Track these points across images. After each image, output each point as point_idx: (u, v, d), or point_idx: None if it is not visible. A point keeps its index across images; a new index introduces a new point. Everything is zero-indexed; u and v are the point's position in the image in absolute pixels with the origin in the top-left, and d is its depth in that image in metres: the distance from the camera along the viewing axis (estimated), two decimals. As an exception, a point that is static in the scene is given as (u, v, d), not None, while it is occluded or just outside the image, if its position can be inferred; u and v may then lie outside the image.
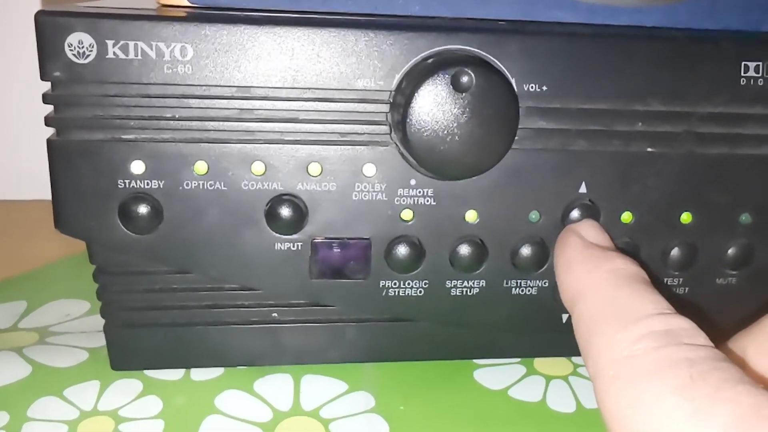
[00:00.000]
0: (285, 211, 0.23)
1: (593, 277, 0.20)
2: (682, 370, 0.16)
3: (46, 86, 0.22)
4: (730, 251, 0.26)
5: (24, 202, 0.45)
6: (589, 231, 0.23)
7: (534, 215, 0.25)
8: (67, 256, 0.36)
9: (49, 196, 0.23)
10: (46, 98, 0.22)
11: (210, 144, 0.23)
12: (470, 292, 0.25)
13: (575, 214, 0.25)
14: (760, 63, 0.24)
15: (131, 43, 0.21)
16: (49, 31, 0.21)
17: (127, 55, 0.21)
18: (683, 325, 0.18)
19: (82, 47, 0.21)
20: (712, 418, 0.15)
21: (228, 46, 0.22)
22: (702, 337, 0.17)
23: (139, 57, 0.21)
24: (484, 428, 0.24)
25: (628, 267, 0.20)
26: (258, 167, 0.23)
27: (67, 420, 0.23)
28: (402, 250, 0.24)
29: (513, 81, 0.23)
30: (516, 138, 0.23)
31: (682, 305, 0.26)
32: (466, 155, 0.22)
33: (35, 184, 0.43)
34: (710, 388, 0.15)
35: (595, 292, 0.20)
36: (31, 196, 0.45)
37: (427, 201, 0.24)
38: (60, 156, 0.22)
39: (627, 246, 0.25)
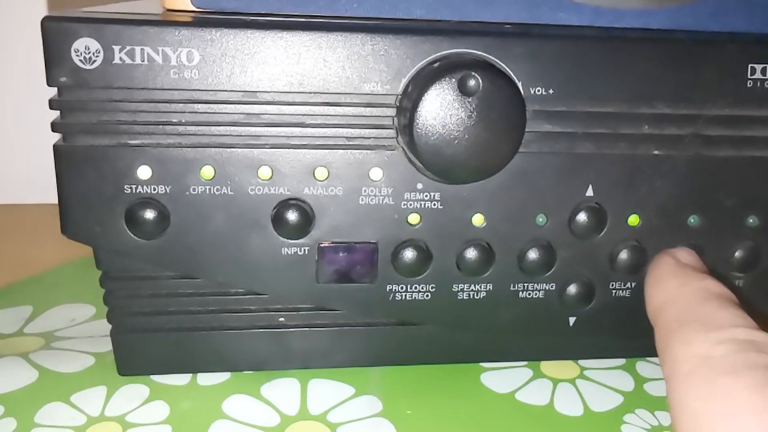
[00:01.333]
0: (292, 216, 0.23)
1: (683, 290, 0.21)
2: (758, 372, 0.16)
3: (52, 91, 0.22)
4: (737, 254, 0.26)
5: (28, 205, 0.45)
6: (684, 254, 0.23)
7: (541, 218, 0.25)
8: (72, 260, 0.36)
9: (54, 200, 0.23)
10: (52, 104, 0.22)
11: (216, 149, 0.23)
12: (477, 295, 0.25)
13: (582, 217, 0.25)
14: (767, 65, 0.24)
15: (138, 48, 0.21)
16: (55, 36, 0.21)
17: (133, 61, 0.21)
18: (766, 339, 0.18)
19: (89, 53, 0.21)
20: None
21: (234, 50, 0.22)
22: None
23: (146, 62, 0.21)
24: (492, 432, 0.24)
25: (720, 288, 0.21)
26: (265, 172, 0.23)
27: (74, 426, 0.23)
28: (409, 254, 0.24)
29: (519, 84, 0.23)
30: (522, 141, 0.23)
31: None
32: (473, 159, 0.22)
33: (40, 187, 0.43)
34: None
35: (683, 301, 0.20)
36: (36, 199, 0.45)
37: (434, 205, 0.24)
38: (66, 161, 0.22)
39: (634, 249, 0.25)
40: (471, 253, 0.25)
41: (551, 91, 0.23)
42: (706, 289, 0.20)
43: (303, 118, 0.23)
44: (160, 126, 0.22)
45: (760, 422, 0.15)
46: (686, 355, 0.18)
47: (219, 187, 0.23)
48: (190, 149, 0.22)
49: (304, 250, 0.24)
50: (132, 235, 0.23)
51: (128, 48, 0.21)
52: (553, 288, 0.26)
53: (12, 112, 0.47)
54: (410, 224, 0.24)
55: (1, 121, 0.48)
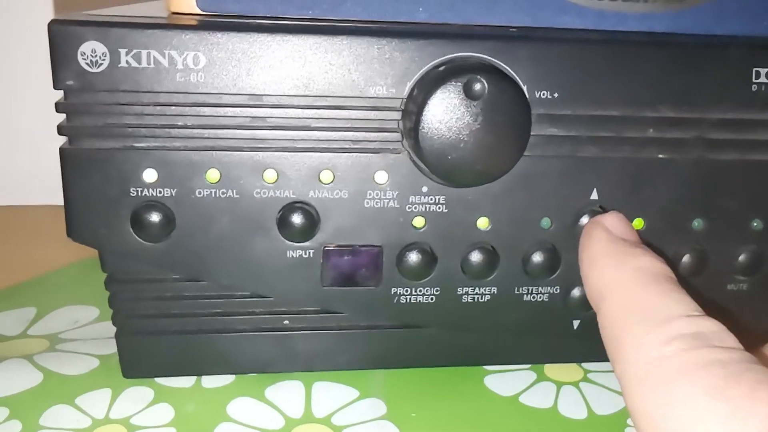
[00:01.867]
0: (297, 219, 0.23)
1: (619, 274, 0.20)
2: (715, 371, 0.16)
3: (58, 94, 0.22)
4: (741, 257, 0.26)
5: (33, 207, 0.45)
6: (615, 224, 0.22)
7: (545, 222, 0.25)
8: (75, 262, 0.36)
9: (58, 201, 0.23)
10: (58, 107, 0.22)
11: (222, 152, 0.23)
12: (482, 298, 0.25)
13: (586, 220, 0.25)
14: (771, 69, 0.24)
15: (144, 52, 0.21)
16: (62, 39, 0.21)
17: (139, 64, 0.21)
18: (712, 327, 0.17)
19: (95, 56, 0.21)
20: (749, 419, 0.15)
21: (240, 53, 0.22)
22: (731, 340, 0.17)
23: (152, 65, 0.21)
24: (496, 435, 0.24)
25: (655, 265, 0.20)
26: (270, 175, 0.23)
27: (79, 428, 0.23)
28: (413, 258, 0.24)
29: (524, 88, 0.23)
30: (527, 145, 0.23)
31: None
32: (478, 162, 0.22)
33: (45, 189, 0.43)
34: (745, 389, 0.15)
35: (621, 290, 0.19)
36: (41, 201, 0.45)
37: (439, 208, 0.24)
38: (72, 164, 0.22)
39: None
40: (476, 257, 0.25)
41: (556, 95, 0.23)
42: (641, 270, 0.20)
43: (308, 122, 0.23)
44: (166, 129, 0.22)
45: (728, 427, 0.15)
46: (637, 359, 0.17)
47: (224, 190, 0.23)
48: (195, 152, 0.23)
49: (309, 253, 0.24)
50: (137, 237, 0.23)
51: (134, 51, 0.21)
52: (558, 291, 0.26)
53: (17, 115, 0.47)
54: (415, 227, 0.24)
55: (6, 124, 0.48)
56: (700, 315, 0.18)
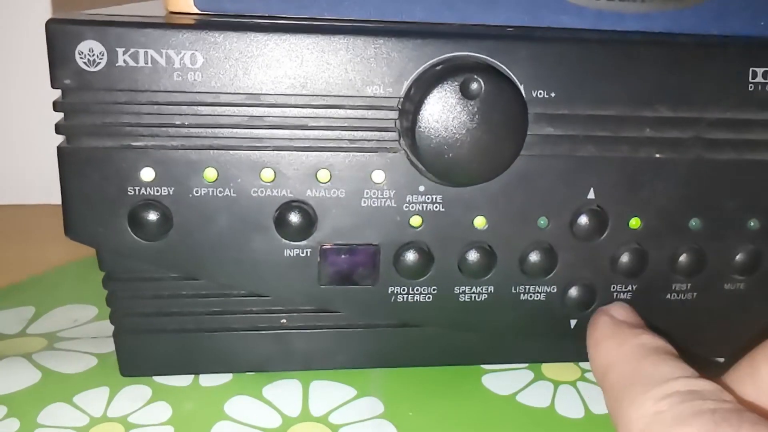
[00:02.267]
0: (294, 218, 0.23)
1: (622, 350, 0.22)
2: (705, 417, 0.17)
3: (56, 93, 0.22)
4: (738, 257, 0.26)
5: (31, 206, 0.45)
6: (619, 311, 0.24)
7: (542, 221, 0.25)
8: (74, 261, 0.36)
9: (56, 201, 0.23)
10: (56, 106, 0.22)
11: (219, 151, 0.23)
12: (479, 298, 0.25)
13: (583, 219, 0.25)
14: (768, 69, 0.24)
15: (141, 51, 0.21)
16: (59, 39, 0.21)
17: (137, 63, 0.21)
18: (707, 386, 0.19)
19: (93, 55, 0.21)
20: None
21: (237, 53, 0.22)
22: (726, 395, 0.18)
23: (149, 64, 0.22)
24: (493, 434, 0.24)
25: (656, 341, 0.22)
26: (267, 174, 0.23)
27: (77, 426, 0.23)
28: (411, 257, 0.24)
29: (521, 87, 0.23)
30: (524, 144, 0.23)
31: (690, 311, 0.27)
32: (475, 162, 0.22)
33: (43, 188, 0.44)
34: (732, 428, 0.16)
35: (623, 363, 0.21)
36: (39, 200, 0.45)
37: (436, 207, 0.24)
38: (70, 163, 0.22)
39: (635, 252, 0.25)
40: (473, 256, 0.25)
41: (553, 94, 0.23)
42: (642, 346, 0.21)
43: (306, 121, 0.23)
44: (164, 128, 0.22)
45: None
46: (636, 416, 0.19)
47: (222, 189, 0.23)
48: (193, 151, 0.23)
49: (306, 252, 0.24)
50: (135, 236, 0.23)
51: (132, 50, 0.21)
52: (555, 290, 0.26)
53: (16, 114, 0.47)
54: (412, 226, 0.24)
55: (5, 123, 0.48)
56: (696, 377, 0.19)
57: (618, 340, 0.22)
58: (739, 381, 0.21)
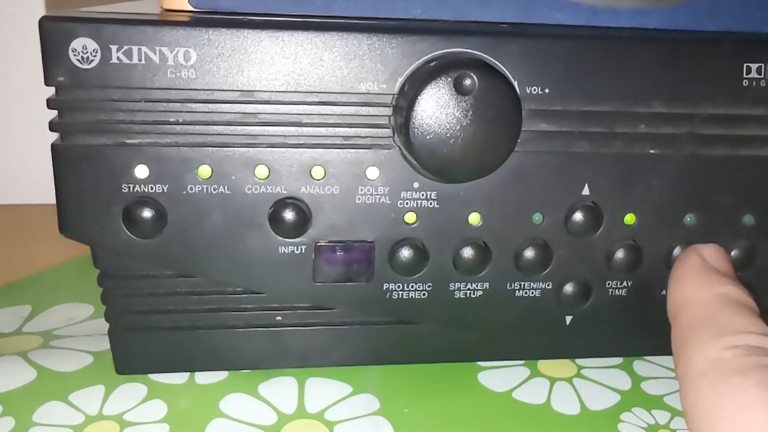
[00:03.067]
0: (288, 215, 0.23)
1: (703, 294, 0.21)
2: (766, 371, 0.17)
3: (50, 90, 0.22)
4: (733, 252, 0.26)
5: (28, 206, 0.45)
6: (713, 254, 0.23)
7: (537, 217, 0.25)
8: (70, 259, 0.36)
9: (53, 200, 0.23)
10: (50, 103, 0.22)
11: (213, 148, 0.23)
12: (474, 294, 0.25)
13: (578, 215, 0.25)
14: (762, 64, 0.24)
15: (135, 48, 0.21)
16: (53, 36, 0.21)
17: (130, 60, 0.21)
18: None
19: (86, 52, 0.21)
20: None
21: (231, 50, 0.22)
22: None
23: (143, 62, 0.22)
24: (488, 430, 0.24)
25: (740, 294, 0.21)
26: (261, 171, 0.23)
27: (72, 425, 0.23)
28: (405, 253, 0.24)
29: (515, 83, 0.23)
30: (519, 140, 0.23)
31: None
32: (469, 158, 0.22)
33: (39, 188, 0.44)
34: None
35: (700, 306, 0.20)
36: (35, 200, 0.45)
37: (431, 204, 0.24)
38: (64, 161, 0.22)
39: (630, 248, 0.25)
40: (467, 252, 0.25)
41: (547, 91, 0.23)
42: (725, 295, 0.21)
43: (300, 118, 0.23)
44: (158, 125, 0.22)
45: None
46: (698, 358, 0.18)
47: (216, 186, 0.23)
48: (187, 148, 0.23)
49: (301, 248, 0.24)
50: (129, 233, 0.23)
51: (125, 48, 0.21)
52: (550, 287, 0.26)
53: (11, 113, 0.47)
54: (407, 223, 0.24)
55: (4, 123, 0.48)
56: None
57: (702, 282, 0.21)
58: None
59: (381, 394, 0.26)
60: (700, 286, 0.21)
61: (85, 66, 0.21)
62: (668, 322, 0.21)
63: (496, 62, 0.23)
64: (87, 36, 0.21)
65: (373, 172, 0.24)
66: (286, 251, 0.24)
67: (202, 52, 0.22)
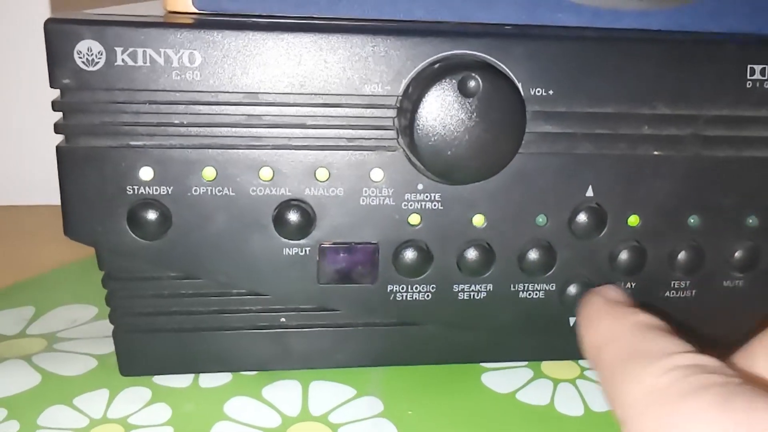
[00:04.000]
0: (293, 217, 0.23)
1: (618, 327, 0.20)
2: (714, 391, 0.16)
3: (55, 92, 0.22)
4: (737, 254, 0.26)
5: (31, 207, 0.45)
6: (612, 292, 0.23)
7: (541, 219, 0.25)
8: (74, 261, 0.36)
9: (56, 202, 0.23)
10: (55, 105, 0.22)
11: (218, 150, 0.23)
12: (477, 296, 0.25)
13: (582, 217, 0.25)
14: (766, 66, 0.24)
15: (140, 50, 0.21)
16: (58, 38, 0.21)
17: (135, 62, 0.22)
18: (710, 361, 0.18)
19: (91, 54, 0.21)
20: (753, 426, 0.15)
21: (236, 52, 0.22)
22: (730, 370, 0.17)
23: (148, 64, 0.22)
24: (493, 432, 0.24)
25: (652, 320, 0.20)
26: (266, 173, 0.23)
27: (77, 428, 0.23)
28: (409, 255, 0.24)
29: (519, 85, 0.23)
30: (523, 142, 0.23)
31: (689, 308, 0.27)
32: (473, 160, 0.22)
33: (43, 189, 0.44)
34: (745, 402, 0.15)
35: (620, 339, 0.20)
36: (38, 201, 0.45)
37: (435, 205, 0.24)
38: (69, 162, 0.22)
39: (634, 249, 0.25)
40: (471, 254, 0.25)
41: (551, 92, 0.23)
42: (639, 323, 0.20)
43: (304, 119, 0.23)
44: (162, 127, 0.22)
45: None
46: (635, 393, 0.17)
47: (220, 188, 0.23)
48: (191, 150, 0.23)
49: (305, 250, 0.24)
50: (134, 235, 0.23)
51: (130, 50, 0.21)
52: (554, 288, 0.26)
53: (15, 114, 0.47)
54: (411, 225, 0.24)
55: (4, 123, 0.48)
56: (698, 352, 0.18)
57: (613, 316, 0.21)
58: (737, 363, 0.20)
59: (385, 397, 0.26)
60: (612, 321, 0.21)
61: (90, 68, 0.21)
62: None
63: (500, 64, 0.23)
64: (92, 38, 0.21)
65: (377, 174, 0.24)
66: (291, 253, 0.24)
67: (206, 54, 0.22)
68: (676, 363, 0.17)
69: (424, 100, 0.22)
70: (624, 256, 0.25)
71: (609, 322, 0.21)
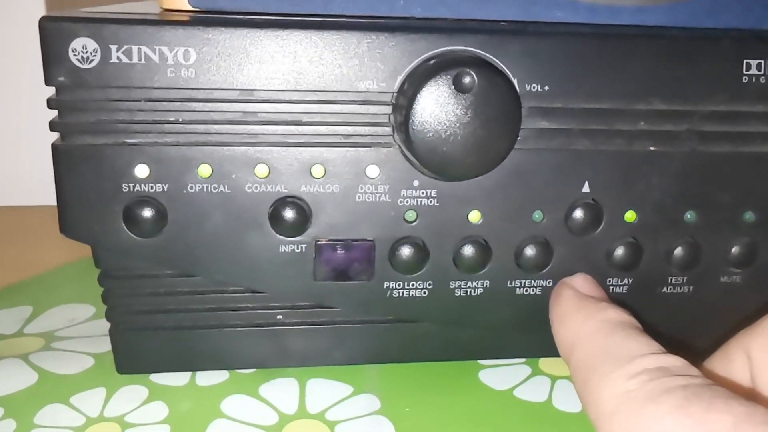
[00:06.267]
0: (289, 214, 0.23)
1: (588, 326, 0.21)
2: (677, 393, 0.17)
3: (51, 91, 0.22)
4: (734, 249, 0.26)
5: (28, 207, 0.45)
6: (582, 284, 0.24)
7: (537, 215, 0.25)
8: (71, 261, 0.36)
9: (53, 202, 0.23)
10: (50, 103, 0.22)
11: (213, 147, 0.23)
12: (474, 292, 0.25)
13: (578, 213, 0.25)
14: (762, 61, 0.24)
15: (135, 48, 0.21)
16: (53, 36, 0.21)
17: (130, 60, 0.22)
18: (675, 362, 0.18)
19: (86, 52, 0.21)
20: (710, 428, 0.16)
21: (231, 49, 0.22)
22: (694, 371, 0.18)
23: (143, 61, 0.22)
24: (490, 429, 0.24)
25: (621, 316, 0.21)
26: (261, 170, 0.23)
27: (73, 427, 0.23)
28: (406, 251, 0.24)
29: (515, 81, 0.23)
30: (518, 138, 0.23)
31: (686, 304, 0.27)
32: (469, 156, 0.22)
33: (40, 189, 0.44)
34: (704, 404, 0.16)
35: (590, 340, 0.21)
36: (36, 201, 0.45)
37: (431, 202, 0.24)
38: (65, 161, 0.22)
39: (630, 245, 0.25)
40: (468, 250, 0.25)
41: (547, 88, 0.23)
42: (608, 321, 0.21)
43: (299, 116, 0.23)
44: (158, 125, 0.22)
45: None
46: (606, 397, 0.18)
47: (216, 185, 0.23)
48: (187, 148, 0.23)
49: (302, 247, 0.24)
50: (130, 233, 0.23)
51: (125, 47, 0.21)
52: (550, 284, 0.26)
53: (11, 113, 0.48)
54: (407, 221, 0.24)
55: (3, 123, 0.48)
56: (664, 353, 0.19)
57: (583, 315, 0.22)
58: (714, 364, 0.20)
59: (382, 394, 0.26)
60: (583, 319, 0.22)
61: (85, 66, 0.21)
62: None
63: (496, 60, 0.23)
64: (87, 36, 0.21)
65: (373, 171, 0.24)
66: (287, 250, 0.24)
67: (201, 51, 0.22)
68: (643, 366, 0.18)
69: (419, 96, 0.22)
70: (620, 252, 0.25)
71: (580, 319, 0.22)
